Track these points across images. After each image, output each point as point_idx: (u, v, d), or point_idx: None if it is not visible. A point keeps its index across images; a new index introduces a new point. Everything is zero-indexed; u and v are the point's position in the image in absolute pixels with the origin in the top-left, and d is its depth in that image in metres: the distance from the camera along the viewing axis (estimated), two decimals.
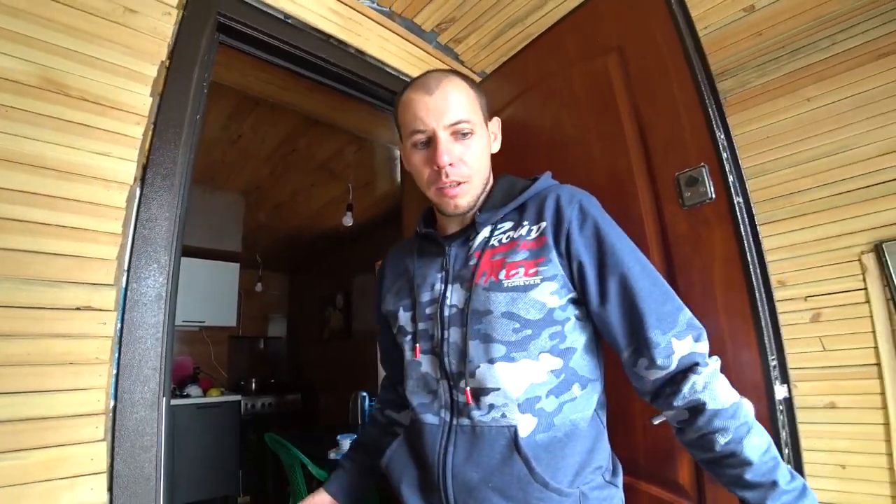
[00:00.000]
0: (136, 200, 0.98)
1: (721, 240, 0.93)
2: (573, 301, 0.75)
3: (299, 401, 4.96)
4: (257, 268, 5.38)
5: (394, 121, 0.87)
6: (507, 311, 0.72)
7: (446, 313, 0.78)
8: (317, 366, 5.22)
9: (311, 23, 1.44)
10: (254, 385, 4.70)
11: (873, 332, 1.63)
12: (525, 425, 0.70)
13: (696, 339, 0.69)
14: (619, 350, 0.74)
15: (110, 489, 0.84)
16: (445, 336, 0.78)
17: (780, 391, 0.85)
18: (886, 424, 1.58)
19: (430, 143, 0.77)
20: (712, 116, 0.97)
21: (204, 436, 3.89)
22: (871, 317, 1.64)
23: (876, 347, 1.62)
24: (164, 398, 0.95)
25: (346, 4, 1.56)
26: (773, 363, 0.85)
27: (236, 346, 5.25)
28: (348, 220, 3.12)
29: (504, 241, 0.78)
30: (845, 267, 1.72)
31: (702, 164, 0.96)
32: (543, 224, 0.76)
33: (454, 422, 0.75)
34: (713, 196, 0.94)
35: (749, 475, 0.63)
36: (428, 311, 0.82)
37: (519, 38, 1.83)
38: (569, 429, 0.71)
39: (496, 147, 0.88)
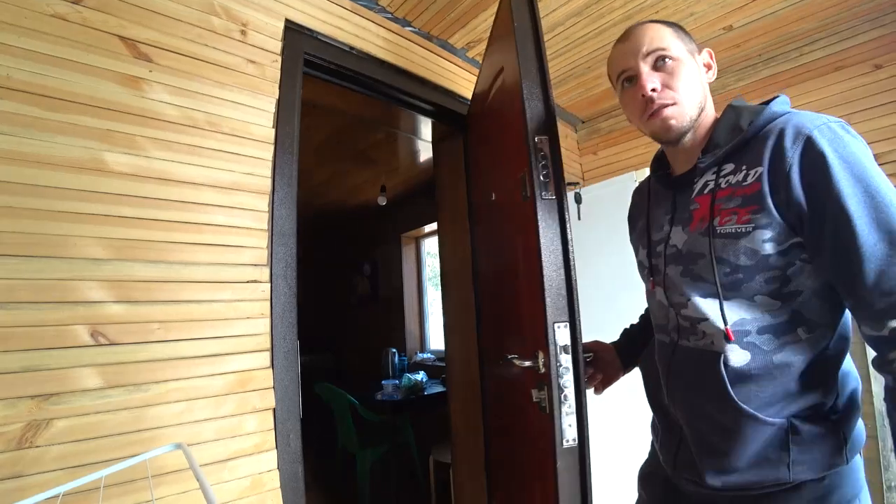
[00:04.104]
0: (271, 203, 1.40)
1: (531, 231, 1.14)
2: (800, 245, 0.71)
3: (331, 358, 5.52)
4: None
5: (611, 84, 0.96)
6: (718, 256, 0.76)
7: (668, 252, 0.88)
8: (345, 327, 5.74)
9: (369, 51, 1.81)
10: None
11: None
12: (736, 356, 0.75)
13: None
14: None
15: (275, 398, 1.29)
16: (667, 272, 0.88)
17: None
18: None
19: (635, 78, 0.86)
20: (529, 135, 1.15)
21: None
22: None
23: None
24: (297, 341, 1.39)
25: (395, 33, 1.92)
26: None
27: None
28: (382, 200, 3.53)
29: (723, 185, 0.78)
30: None
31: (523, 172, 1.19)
32: (760, 169, 0.72)
33: (679, 342, 0.86)
34: (528, 195, 1.16)
35: None
36: (658, 248, 0.91)
37: None
38: (785, 368, 0.73)
39: (712, 76, 0.89)
